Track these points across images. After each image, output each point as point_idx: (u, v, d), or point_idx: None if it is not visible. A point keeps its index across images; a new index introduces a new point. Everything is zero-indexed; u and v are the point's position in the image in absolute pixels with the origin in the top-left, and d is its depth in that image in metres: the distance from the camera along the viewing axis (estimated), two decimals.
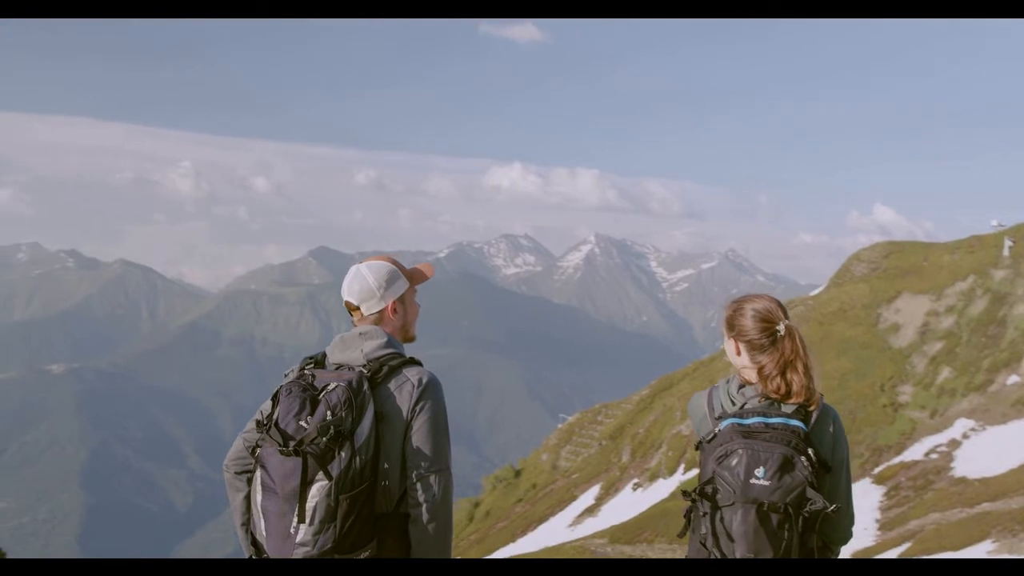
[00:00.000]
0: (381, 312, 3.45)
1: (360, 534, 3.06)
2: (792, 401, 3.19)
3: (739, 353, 3.36)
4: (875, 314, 38.92)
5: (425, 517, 3.17)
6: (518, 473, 55.87)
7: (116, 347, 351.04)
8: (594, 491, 40.63)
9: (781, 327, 3.29)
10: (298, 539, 2.99)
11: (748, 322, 3.32)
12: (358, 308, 3.44)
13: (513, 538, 39.61)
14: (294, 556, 3.00)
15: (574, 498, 41.73)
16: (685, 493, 3.11)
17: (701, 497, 3.03)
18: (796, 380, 3.21)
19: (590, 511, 38.05)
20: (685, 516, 3.22)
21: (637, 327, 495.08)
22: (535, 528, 39.85)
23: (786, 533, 2.92)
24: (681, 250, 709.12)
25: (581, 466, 47.50)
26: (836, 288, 44.38)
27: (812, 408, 3.20)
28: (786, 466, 2.96)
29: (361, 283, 3.43)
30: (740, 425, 3.09)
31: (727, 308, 3.44)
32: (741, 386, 3.30)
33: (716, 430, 3.14)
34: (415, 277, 3.60)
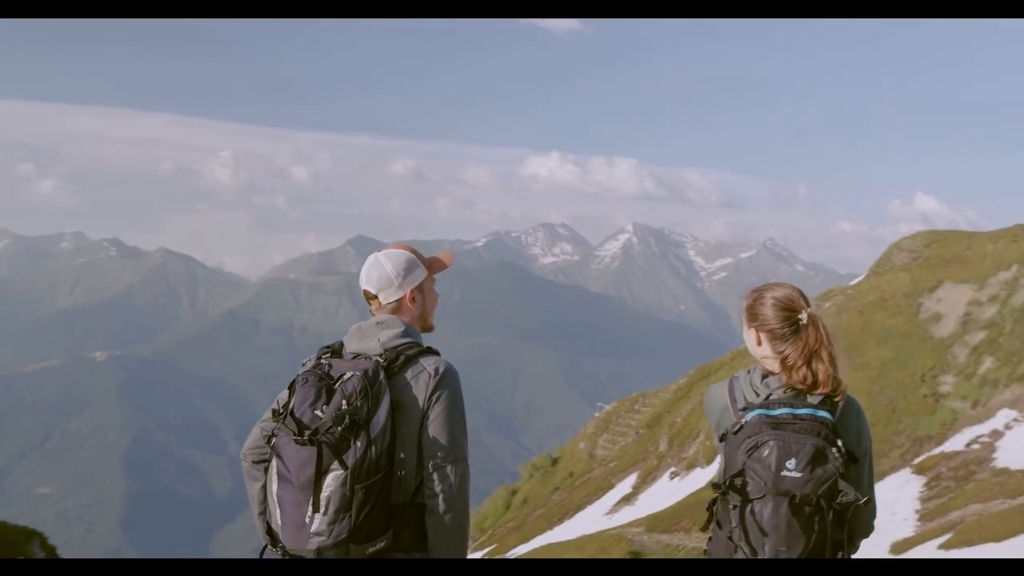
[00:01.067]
0: (399, 301, 3.41)
1: (376, 524, 3.02)
2: (819, 391, 3.11)
3: (760, 343, 3.29)
4: (916, 303, 38.51)
5: (442, 507, 3.13)
6: (555, 461, 55.94)
7: (157, 335, 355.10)
8: (631, 480, 40.61)
9: (804, 316, 3.22)
10: (313, 528, 2.95)
11: (769, 311, 3.25)
12: (376, 297, 3.41)
13: (550, 526, 39.69)
14: (309, 546, 2.96)
15: (611, 486, 41.73)
16: (715, 486, 3.03)
17: (730, 490, 2.95)
18: (822, 370, 3.14)
19: (627, 500, 38.04)
20: (708, 509, 3.18)
21: (675, 316, 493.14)
22: (572, 516, 39.92)
23: (816, 526, 2.86)
24: (719, 239, 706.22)
25: (618, 455, 47.49)
26: (876, 277, 43.93)
27: (838, 398, 3.13)
28: (818, 458, 2.88)
29: (379, 271, 3.40)
30: (768, 416, 3.01)
31: (747, 297, 3.36)
32: (764, 376, 3.23)
33: (743, 421, 3.05)
34: (434, 266, 3.56)
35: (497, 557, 35.49)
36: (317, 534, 2.95)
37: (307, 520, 2.96)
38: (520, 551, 35.46)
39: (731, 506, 2.97)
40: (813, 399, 3.08)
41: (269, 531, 3.13)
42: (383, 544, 3.05)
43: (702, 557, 3.19)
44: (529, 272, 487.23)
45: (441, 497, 3.13)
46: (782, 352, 3.20)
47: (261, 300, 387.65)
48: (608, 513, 37.31)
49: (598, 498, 40.81)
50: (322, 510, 2.93)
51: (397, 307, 3.41)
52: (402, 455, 3.13)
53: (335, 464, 2.93)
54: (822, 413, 3.01)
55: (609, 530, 30.95)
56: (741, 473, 2.93)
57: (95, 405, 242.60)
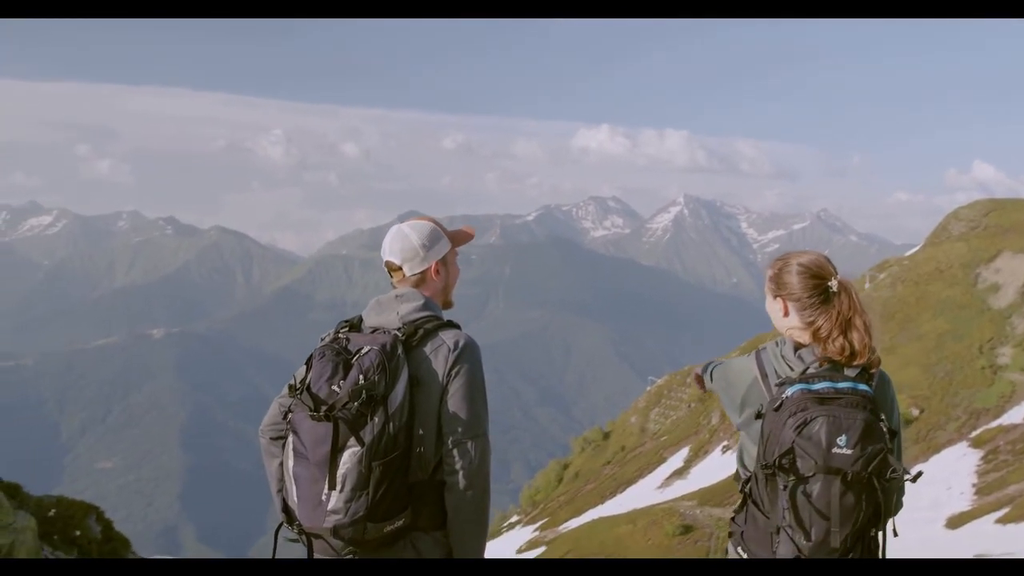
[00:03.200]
0: (423, 273, 3.32)
1: (394, 502, 2.94)
2: (856, 362, 2.95)
3: (788, 313, 3.12)
4: (974, 274, 37.93)
5: (462, 484, 3.04)
6: (607, 435, 56.01)
7: (213, 312, 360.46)
8: (683, 453, 40.54)
9: (834, 282, 3.06)
10: (329, 506, 2.88)
11: (796, 279, 3.09)
12: (400, 268, 3.31)
13: (602, 500, 39.78)
14: (325, 524, 2.90)
15: (663, 460, 41.70)
16: (765, 466, 2.80)
17: (779, 470, 2.77)
18: (858, 339, 2.97)
19: (679, 473, 38.00)
20: (742, 491, 3.06)
21: (727, 288, 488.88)
22: (624, 490, 39.98)
23: (864, 504, 2.72)
24: (772, 211, 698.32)
25: (670, 428, 47.41)
26: (933, 247, 43.31)
27: (873, 370, 2.98)
28: (868, 433, 2.72)
29: (404, 242, 3.30)
30: (810, 391, 2.82)
31: (771, 267, 3.20)
32: (796, 349, 3.04)
33: (783, 397, 2.84)
34: (458, 239, 3.46)
35: (538, 552, 35.69)
36: (334, 512, 2.88)
37: (323, 498, 2.88)
38: (572, 525, 35.58)
39: (781, 487, 2.78)
40: (850, 371, 2.92)
41: (285, 508, 3.06)
42: (401, 523, 2.98)
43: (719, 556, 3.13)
44: (580, 246, 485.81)
45: (461, 474, 3.03)
46: (812, 322, 3.05)
47: (314, 276, 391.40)
48: (660, 487, 37.31)
49: (650, 472, 40.84)
50: (339, 487, 2.86)
51: (421, 279, 3.32)
52: (421, 431, 3.04)
53: (352, 440, 2.85)
54: (863, 386, 2.86)
55: (661, 504, 30.96)
56: (790, 451, 2.74)
57: (153, 381, 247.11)
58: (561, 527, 36.73)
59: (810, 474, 2.71)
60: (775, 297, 3.16)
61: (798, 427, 2.74)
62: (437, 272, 3.34)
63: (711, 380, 3.40)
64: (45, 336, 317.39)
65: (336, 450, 2.85)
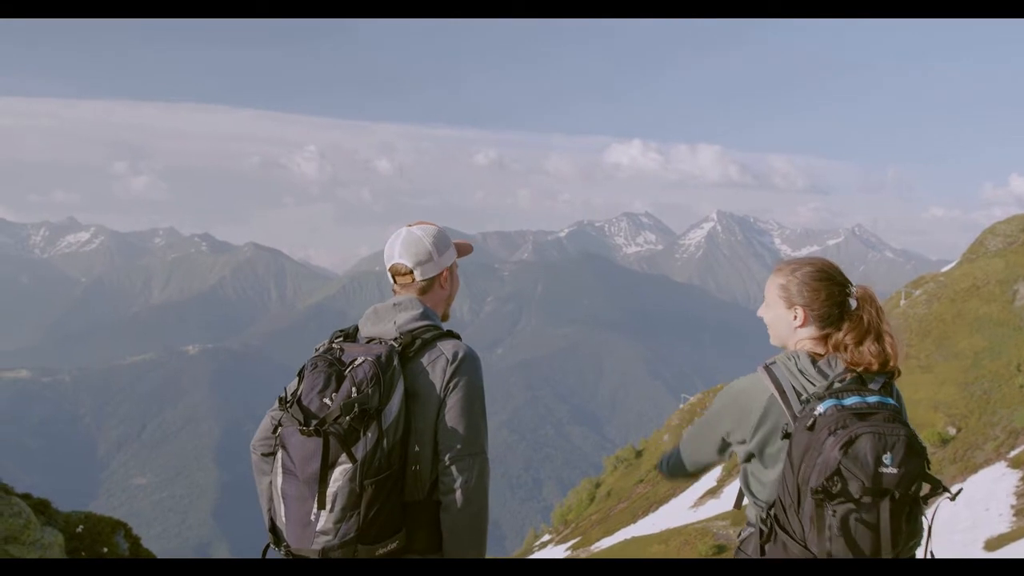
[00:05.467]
0: (434, 279, 3.16)
1: (386, 523, 2.77)
2: (889, 369, 2.76)
3: (805, 323, 2.89)
4: (1011, 290, 37.40)
5: (458, 504, 2.85)
6: (639, 453, 55.72)
7: (247, 328, 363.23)
8: (716, 473, 40.17)
9: (854, 289, 2.89)
10: (318, 527, 2.71)
11: (815, 287, 2.88)
12: (410, 272, 3.12)
13: (634, 519, 39.53)
14: (314, 546, 2.72)
15: (696, 479, 41.36)
16: (816, 491, 2.52)
17: (825, 495, 2.52)
18: (890, 344, 2.79)
19: (712, 493, 37.66)
20: (766, 522, 2.78)
21: (760, 305, 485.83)
22: (656, 509, 39.69)
23: (907, 524, 2.56)
24: (806, 226, 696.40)
25: None
26: (969, 263, 42.79)
27: (894, 381, 2.80)
28: (911, 449, 2.53)
29: (418, 245, 3.11)
30: (843, 406, 2.60)
31: (781, 273, 2.99)
32: (814, 362, 2.81)
33: (815, 413, 2.61)
34: (460, 249, 3.30)
35: (579, 555, 35.51)
36: (323, 533, 2.71)
37: (312, 518, 2.72)
38: (604, 544, 35.37)
39: (830, 512, 2.53)
40: (873, 384, 2.71)
41: (273, 528, 2.89)
42: (395, 545, 2.81)
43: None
44: (612, 262, 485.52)
45: (458, 493, 2.85)
46: (832, 333, 2.86)
47: (347, 293, 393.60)
48: (693, 506, 37.00)
49: (682, 491, 40.49)
50: (328, 507, 2.70)
51: (429, 286, 3.15)
52: (417, 448, 2.87)
53: (343, 457, 2.69)
54: (890, 400, 2.68)
55: (694, 524, 30.67)
56: (837, 473, 2.51)
57: (188, 397, 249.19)
58: (593, 546, 36.53)
59: (858, 496, 2.50)
60: (791, 307, 2.93)
61: (843, 446, 2.52)
62: (445, 280, 3.21)
63: (666, 468, 3.34)
64: (82, 352, 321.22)
65: (326, 467, 2.69)
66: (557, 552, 39.55)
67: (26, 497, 8.75)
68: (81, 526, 9.33)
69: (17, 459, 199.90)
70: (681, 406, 58.70)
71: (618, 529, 38.53)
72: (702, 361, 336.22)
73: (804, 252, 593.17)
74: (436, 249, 3.13)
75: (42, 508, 9.12)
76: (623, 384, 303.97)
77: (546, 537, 51.79)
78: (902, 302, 42.13)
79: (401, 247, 3.12)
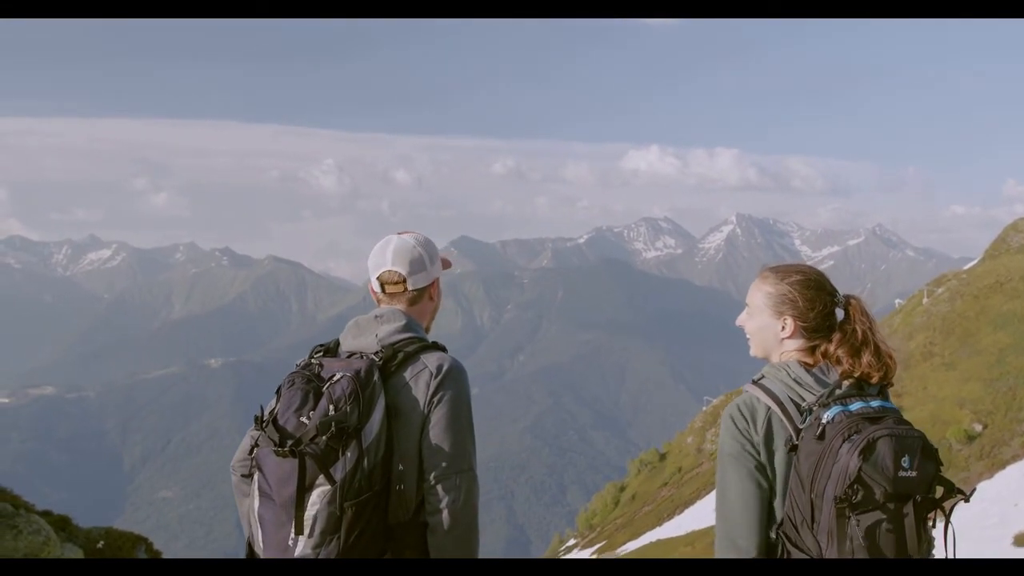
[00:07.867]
0: (423, 290, 3.01)
1: (369, 547, 2.61)
2: (879, 380, 2.62)
3: (794, 333, 2.73)
4: None
5: (445, 525, 2.68)
6: (663, 457, 55.61)
7: (268, 341, 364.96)
8: None
9: (841, 297, 2.74)
10: (296, 553, 2.54)
11: (804, 294, 2.72)
12: (401, 281, 2.95)
13: (659, 522, 39.41)
14: None
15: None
16: (839, 499, 2.37)
17: (848, 504, 2.36)
18: (884, 355, 2.65)
19: None
20: (777, 532, 2.58)
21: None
22: (681, 512, 39.55)
23: (923, 529, 2.42)
24: (826, 227, 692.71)
25: None
26: (992, 260, 42.53)
27: (889, 386, 2.67)
28: (927, 453, 2.41)
29: (412, 252, 2.96)
30: (851, 412, 2.47)
31: (768, 282, 2.82)
32: (808, 370, 2.67)
33: (823, 421, 2.46)
34: (444, 263, 3.13)
35: (604, 555, 35.49)
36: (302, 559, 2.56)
37: (290, 543, 2.55)
38: (629, 548, 35.25)
39: (854, 522, 2.38)
40: (871, 390, 2.59)
41: (251, 554, 2.72)
42: None
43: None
44: (632, 267, 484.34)
45: (445, 513, 2.68)
46: (822, 343, 2.71)
47: (368, 304, 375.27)
48: None
49: (707, 493, 40.30)
50: (306, 532, 2.53)
51: (418, 296, 3.00)
52: (401, 467, 2.71)
53: (321, 479, 2.52)
54: (890, 404, 2.56)
55: None
56: (859, 479, 2.36)
57: (212, 410, 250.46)
58: (619, 550, 36.44)
59: (881, 502, 2.37)
60: (778, 316, 2.77)
61: (861, 451, 2.38)
62: (435, 291, 3.08)
63: (732, 548, 2.68)
64: (107, 367, 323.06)
65: (303, 489, 2.53)
66: (583, 556, 39.40)
67: (46, 514, 8.76)
68: (102, 542, 9.32)
69: (44, 475, 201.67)
70: (704, 408, 58.62)
71: (643, 532, 38.44)
72: (724, 364, 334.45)
73: (824, 252, 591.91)
74: (429, 258, 2.99)
75: (62, 524, 9.12)
76: (645, 388, 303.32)
77: (572, 541, 51.73)
78: (925, 300, 41.90)
79: (393, 254, 2.96)
